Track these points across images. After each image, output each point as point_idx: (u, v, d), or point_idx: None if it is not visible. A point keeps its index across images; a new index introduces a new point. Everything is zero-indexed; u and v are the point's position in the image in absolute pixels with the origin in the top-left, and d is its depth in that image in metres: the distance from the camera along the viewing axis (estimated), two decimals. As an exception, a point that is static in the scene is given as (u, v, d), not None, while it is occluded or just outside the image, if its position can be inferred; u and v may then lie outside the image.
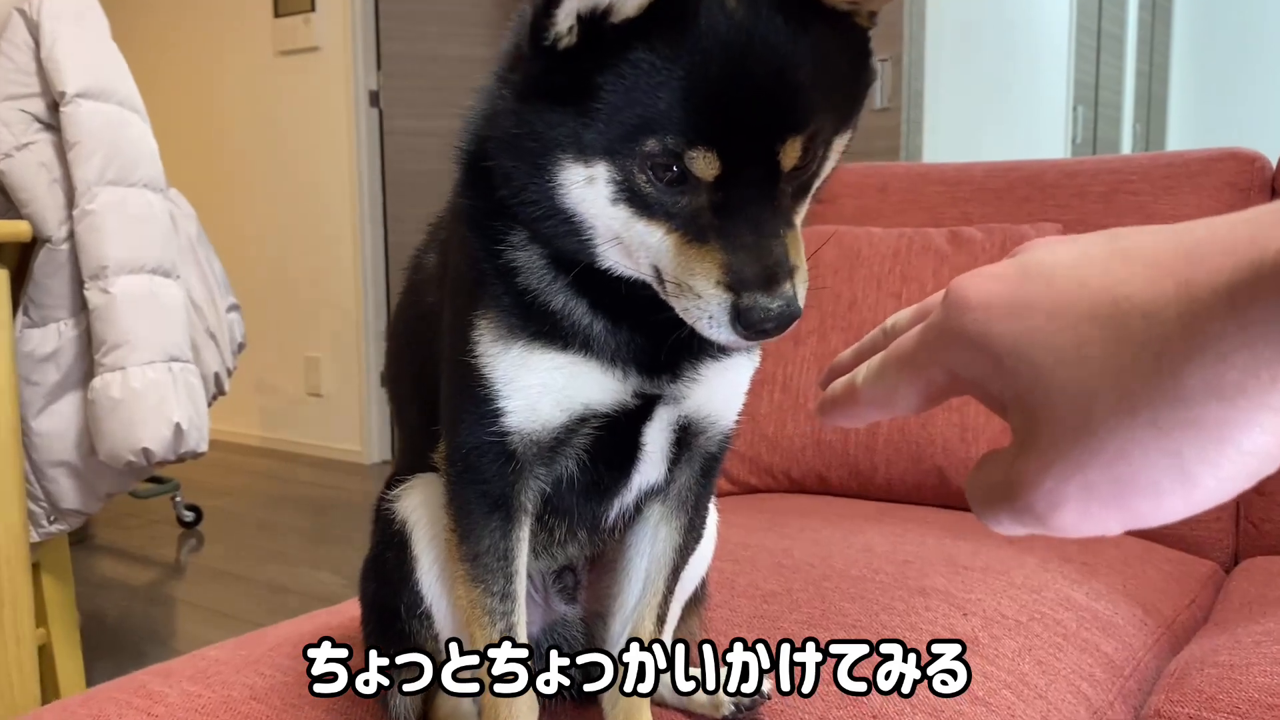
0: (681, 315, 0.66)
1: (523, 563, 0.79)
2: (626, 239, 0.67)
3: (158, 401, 1.67)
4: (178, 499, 3.79)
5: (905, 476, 1.75)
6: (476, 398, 0.75)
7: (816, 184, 0.70)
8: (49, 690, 1.91)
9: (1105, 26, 4.95)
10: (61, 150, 1.70)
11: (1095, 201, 1.92)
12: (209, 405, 1.88)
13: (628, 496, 0.83)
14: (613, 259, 0.70)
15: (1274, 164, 1.87)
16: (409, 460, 0.90)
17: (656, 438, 0.80)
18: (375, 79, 4.70)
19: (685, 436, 0.81)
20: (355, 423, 4.85)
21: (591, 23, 0.63)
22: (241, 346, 2.09)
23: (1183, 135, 5.58)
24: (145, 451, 1.66)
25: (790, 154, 0.64)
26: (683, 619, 0.96)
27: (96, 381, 1.68)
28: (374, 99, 4.71)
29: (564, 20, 0.63)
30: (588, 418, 0.76)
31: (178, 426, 1.69)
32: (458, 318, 0.77)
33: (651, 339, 0.76)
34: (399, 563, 0.84)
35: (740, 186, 0.64)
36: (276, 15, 4.89)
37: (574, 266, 0.73)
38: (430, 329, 0.83)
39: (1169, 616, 1.39)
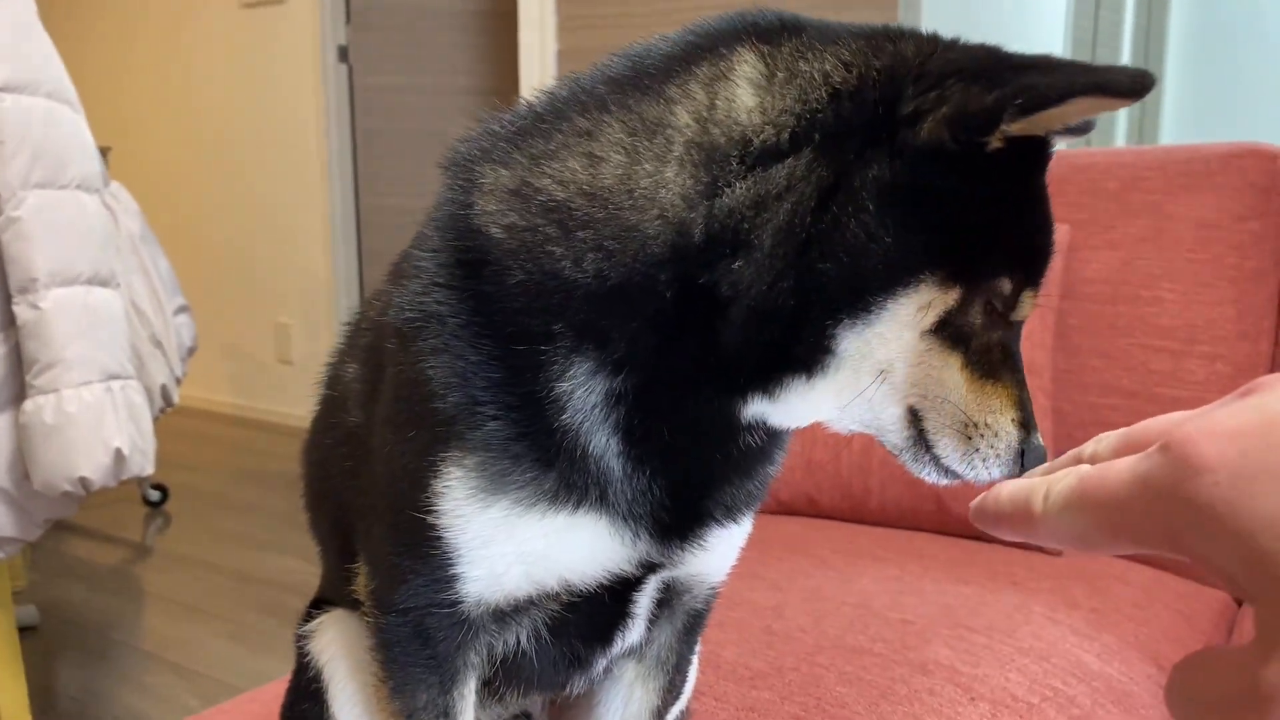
0: (953, 458, 0.60)
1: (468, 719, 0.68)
2: (906, 373, 0.59)
3: (95, 426, 1.54)
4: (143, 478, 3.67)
5: (900, 501, 1.65)
6: (427, 558, 0.61)
7: None
8: (-10, 724, 1.81)
9: (1103, -22, 4.78)
10: (-18, 150, 1.54)
11: (1108, 200, 1.80)
12: (156, 419, 1.75)
13: (600, 665, 0.72)
14: (834, 389, 0.60)
15: (1295, 160, 1.75)
16: (326, 586, 0.79)
17: (646, 603, 0.69)
18: (344, 33, 4.49)
19: (668, 595, 0.70)
20: (328, 391, 4.71)
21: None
22: (191, 350, 1.96)
23: (1179, 91, 5.44)
24: (83, 480, 1.54)
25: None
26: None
27: (28, 405, 1.54)
28: (343, 54, 4.50)
29: (1012, 129, 0.55)
30: (560, 592, 0.64)
31: (118, 452, 1.56)
32: (412, 458, 0.61)
33: (681, 490, 0.63)
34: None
35: (1017, 328, 0.62)
36: (240, -36, 4.66)
37: (644, 400, 0.60)
38: (352, 456, 0.69)
39: (1184, 672, 1.30)
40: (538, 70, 3.52)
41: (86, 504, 3.67)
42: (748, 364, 0.58)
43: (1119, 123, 4.95)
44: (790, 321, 0.56)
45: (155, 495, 3.66)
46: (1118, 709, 1.14)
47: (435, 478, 0.60)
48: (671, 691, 0.76)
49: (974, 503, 0.44)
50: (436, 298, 0.61)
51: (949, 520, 1.62)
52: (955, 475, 0.61)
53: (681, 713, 0.85)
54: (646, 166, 0.58)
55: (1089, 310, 1.74)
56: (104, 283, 1.62)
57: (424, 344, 0.60)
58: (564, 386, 0.59)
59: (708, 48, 0.60)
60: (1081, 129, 0.66)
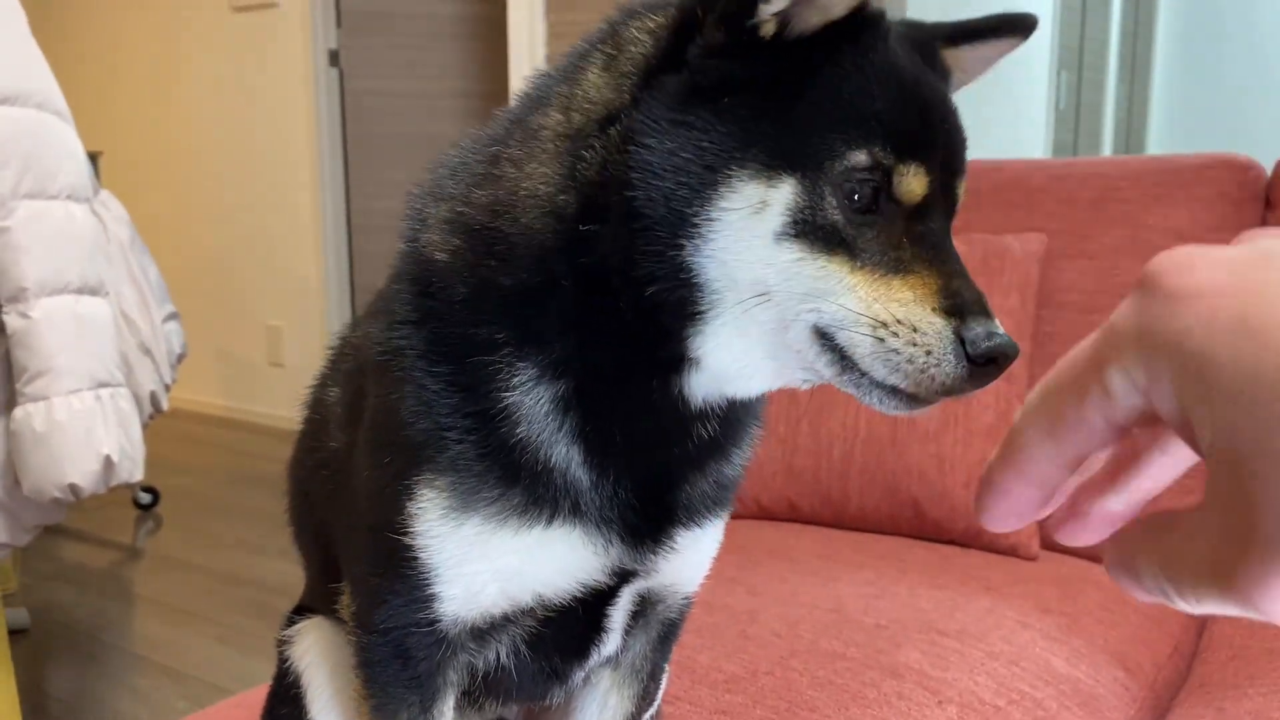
0: (878, 369, 0.55)
1: None
2: (785, 288, 0.56)
3: (85, 433, 1.56)
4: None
5: (879, 507, 1.68)
6: (405, 578, 0.64)
7: None
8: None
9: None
10: (-29, 161, 1.56)
11: (1084, 209, 1.83)
12: (145, 425, 1.77)
13: (578, 677, 0.74)
14: (737, 330, 0.58)
15: (1268, 172, 1.79)
16: (308, 595, 0.81)
17: (620, 615, 0.71)
18: (335, 37, 4.50)
19: (642, 606, 0.73)
20: (320, 393, 4.73)
21: (784, 21, 0.56)
22: (181, 357, 1.98)
23: (1167, 98, 5.47)
24: (72, 488, 1.56)
25: (961, 192, 0.59)
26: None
27: (18, 412, 1.56)
28: (334, 58, 4.52)
29: (773, 7, 0.55)
30: (535, 608, 0.66)
31: (107, 459, 1.58)
32: (388, 481, 0.64)
33: (645, 490, 0.65)
34: None
35: (932, 218, 0.57)
36: (232, -32, 4.68)
37: (591, 399, 0.62)
38: (333, 478, 0.72)
39: (1150, 675, 1.33)
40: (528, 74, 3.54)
41: (77, 507, 3.68)
42: (650, 331, 0.59)
43: (1106, 134, 4.98)
44: (650, 266, 0.57)
45: (146, 498, 3.67)
46: (1083, 711, 1.17)
47: (410, 500, 0.63)
48: (646, 698, 0.79)
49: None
50: (400, 334, 0.64)
51: (926, 525, 1.65)
52: (904, 396, 0.56)
53: (652, 716, 0.88)
54: (528, 168, 0.62)
55: (1066, 319, 1.76)
56: (93, 291, 1.64)
57: (392, 376, 0.64)
58: (512, 397, 0.61)
59: (583, 52, 0.65)
60: (996, 27, 0.65)
